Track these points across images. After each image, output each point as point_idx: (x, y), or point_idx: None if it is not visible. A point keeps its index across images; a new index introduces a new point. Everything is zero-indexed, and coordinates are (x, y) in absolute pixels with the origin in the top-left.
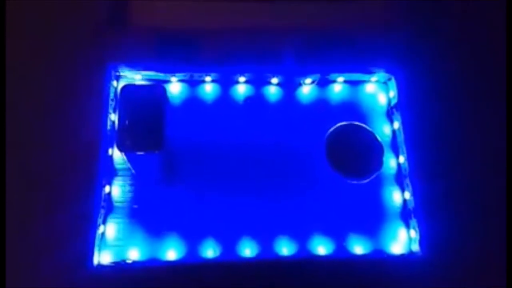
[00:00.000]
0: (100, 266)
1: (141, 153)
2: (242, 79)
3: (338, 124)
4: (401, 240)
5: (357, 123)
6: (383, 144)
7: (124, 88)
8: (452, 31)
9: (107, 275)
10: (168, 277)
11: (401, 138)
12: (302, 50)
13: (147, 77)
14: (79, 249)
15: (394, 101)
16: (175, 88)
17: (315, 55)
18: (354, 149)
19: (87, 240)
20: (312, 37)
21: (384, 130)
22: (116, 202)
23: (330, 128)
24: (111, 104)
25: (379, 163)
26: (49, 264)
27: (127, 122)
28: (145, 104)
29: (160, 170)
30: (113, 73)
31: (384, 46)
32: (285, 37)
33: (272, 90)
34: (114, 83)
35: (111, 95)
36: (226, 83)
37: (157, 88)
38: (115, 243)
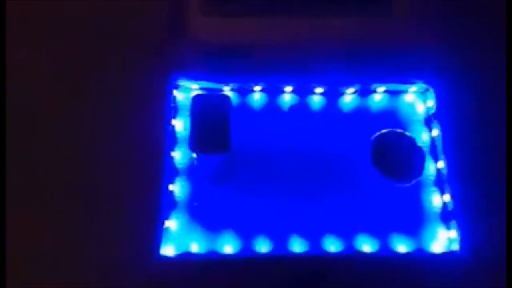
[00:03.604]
0: (165, 257)
1: (211, 154)
2: (288, 88)
3: (384, 130)
4: (441, 241)
5: (400, 130)
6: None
7: (195, 97)
8: (489, 43)
9: (172, 265)
10: (225, 269)
11: (440, 144)
12: (345, 62)
13: (202, 87)
14: (148, 241)
15: (432, 110)
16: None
17: (357, 66)
18: (398, 154)
19: (155, 233)
20: (355, 49)
21: (423, 137)
22: (178, 199)
23: (371, 134)
24: (173, 110)
25: (421, 168)
26: (120, 255)
27: (199, 127)
28: (213, 111)
29: (219, 171)
30: (173, 83)
31: (422, 58)
32: (329, 50)
33: (316, 99)
34: (174, 91)
35: (173, 102)
36: (273, 92)
37: (223, 98)
38: (177, 237)
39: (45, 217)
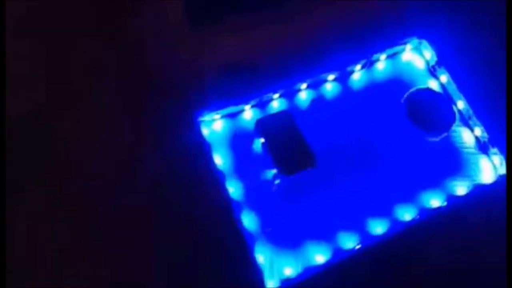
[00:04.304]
0: None
1: (299, 173)
2: (303, 86)
3: (406, 94)
4: (489, 170)
5: (420, 87)
6: None
7: (259, 122)
8: None
9: None
10: (330, 277)
11: (452, 87)
12: (345, 43)
13: (224, 114)
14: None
15: (433, 60)
16: (248, 114)
17: (355, 43)
18: (430, 108)
19: (254, 273)
20: (349, 28)
21: (432, 86)
22: (252, 231)
23: (391, 100)
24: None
25: (453, 116)
26: None
27: (276, 149)
28: (282, 130)
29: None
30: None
31: (409, 16)
32: (327, 36)
33: (330, 86)
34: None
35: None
36: (290, 94)
37: (284, 114)
38: (269, 269)
39: None
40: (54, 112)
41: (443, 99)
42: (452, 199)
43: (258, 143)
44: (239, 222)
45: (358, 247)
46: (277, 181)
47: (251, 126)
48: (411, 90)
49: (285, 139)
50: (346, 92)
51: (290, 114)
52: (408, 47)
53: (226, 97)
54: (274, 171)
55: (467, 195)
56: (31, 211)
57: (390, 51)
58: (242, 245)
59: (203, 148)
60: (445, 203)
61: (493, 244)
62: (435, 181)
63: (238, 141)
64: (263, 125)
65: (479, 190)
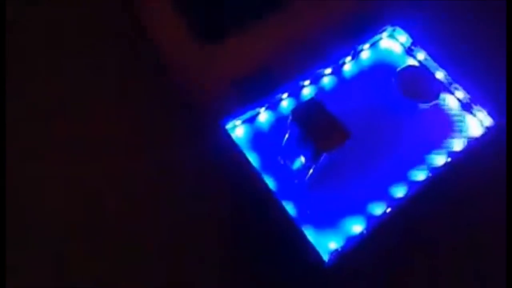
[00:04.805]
0: (329, 263)
1: (337, 147)
2: (307, 82)
3: (396, 72)
4: (477, 125)
5: (405, 65)
6: None
7: (294, 110)
8: None
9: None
10: (369, 243)
11: (431, 62)
12: (334, 37)
13: (244, 119)
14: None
15: (408, 42)
16: (263, 117)
17: (342, 38)
18: (417, 82)
19: (309, 251)
20: (335, 26)
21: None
22: (295, 216)
23: (381, 81)
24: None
25: (439, 84)
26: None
27: (313, 130)
28: (314, 113)
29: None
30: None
31: (380, 8)
32: (318, 35)
33: (328, 79)
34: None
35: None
36: (296, 91)
37: (312, 100)
38: (317, 245)
39: None
40: None
41: (427, 72)
42: (453, 155)
43: (287, 136)
44: (283, 210)
45: (388, 210)
46: (311, 171)
47: (267, 126)
48: (399, 68)
49: (319, 121)
50: (343, 81)
51: (318, 100)
52: (385, 34)
53: (239, 103)
54: (302, 159)
55: (464, 150)
56: None
57: (371, 40)
58: (291, 230)
59: (235, 151)
60: (449, 159)
61: (490, 188)
62: (435, 142)
63: (260, 140)
64: (298, 112)
65: (472, 143)
